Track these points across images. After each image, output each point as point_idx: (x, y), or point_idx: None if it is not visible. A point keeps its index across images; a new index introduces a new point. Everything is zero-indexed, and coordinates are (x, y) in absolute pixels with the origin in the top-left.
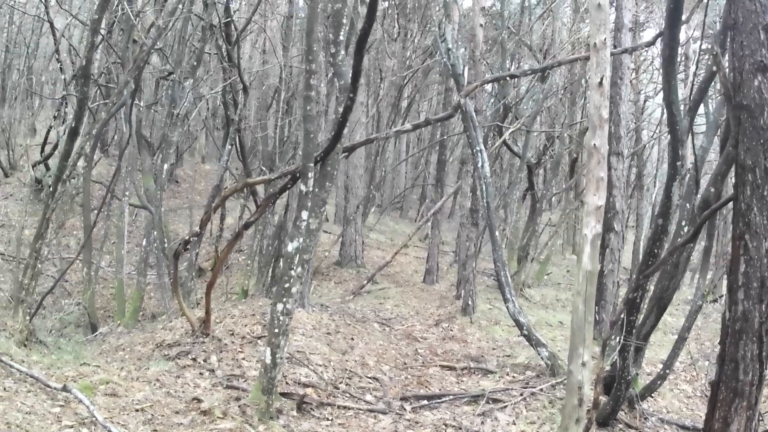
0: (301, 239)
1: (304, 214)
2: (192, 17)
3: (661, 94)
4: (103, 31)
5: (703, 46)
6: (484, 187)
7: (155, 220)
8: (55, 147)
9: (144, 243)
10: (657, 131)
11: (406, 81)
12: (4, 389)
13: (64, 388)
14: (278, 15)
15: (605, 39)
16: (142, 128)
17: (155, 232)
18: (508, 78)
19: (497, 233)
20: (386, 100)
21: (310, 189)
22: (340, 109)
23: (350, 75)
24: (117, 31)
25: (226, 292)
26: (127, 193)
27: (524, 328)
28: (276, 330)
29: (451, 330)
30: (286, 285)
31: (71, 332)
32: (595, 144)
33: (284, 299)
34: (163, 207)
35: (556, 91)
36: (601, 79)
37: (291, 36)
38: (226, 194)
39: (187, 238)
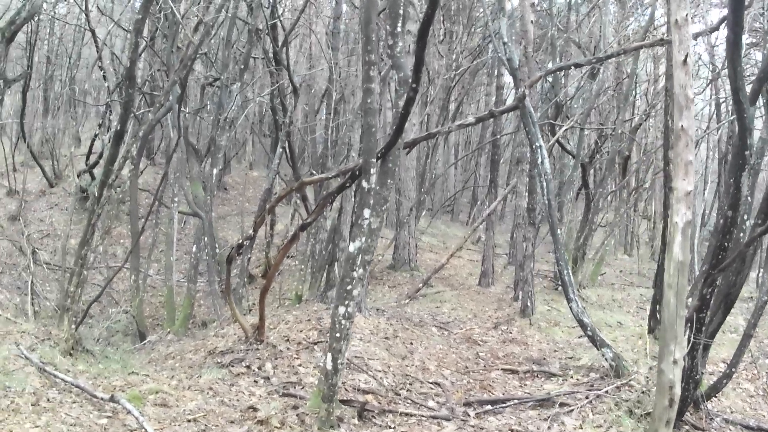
0: (363, 239)
1: (366, 213)
2: (237, 21)
3: (707, 91)
4: (145, 39)
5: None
6: (544, 184)
7: (205, 226)
8: (100, 156)
9: (194, 250)
10: (707, 128)
11: (454, 83)
12: (48, 400)
13: (112, 399)
14: (324, 17)
15: (686, 15)
16: (189, 135)
17: (205, 239)
18: (573, 66)
19: (559, 232)
20: (435, 103)
21: (372, 186)
22: (401, 102)
23: (410, 66)
24: (160, 38)
25: (279, 298)
26: (175, 200)
27: (588, 328)
28: (337, 334)
29: (511, 332)
30: (348, 287)
31: (119, 341)
32: (682, 125)
33: (346, 302)
34: (212, 214)
35: (608, 87)
36: (686, 56)
37: (338, 37)
38: (281, 195)
39: (240, 241)
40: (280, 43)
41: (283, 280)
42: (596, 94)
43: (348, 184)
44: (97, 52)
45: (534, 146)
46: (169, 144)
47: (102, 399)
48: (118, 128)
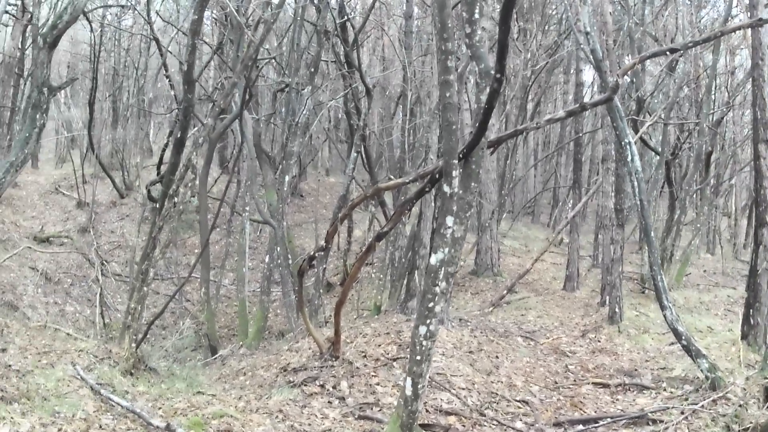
0: (446, 249)
1: (449, 220)
2: (306, 24)
3: None
4: (212, 45)
5: None
6: (636, 183)
7: (278, 235)
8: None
9: (267, 259)
10: None
11: (532, 81)
12: (101, 427)
13: (168, 427)
14: (396, 16)
15: None
16: (261, 142)
17: (278, 248)
18: (668, 52)
19: (653, 234)
20: (513, 102)
21: (455, 190)
22: (483, 97)
23: (491, 56)
24: (227, 44)
25: (356, 308)
26: (247, 209)
27: (683, 337)
28: (418, 357)
29: (599, 341)
30: (430, 304)
31: (189, 355)
32: None
33: (427, 320)
34: (287, 221)
35: (690, 79)
36: None
37: (411, 36)
38: (355, 202)
39: (312, 253)
40: (350, 44)
41: (361, 288)
42: (678, 87)
43: (427, 189)
44: (163, 62)
45: (623, 143)
46: (239, 152)
47: (157, 427)
48: (179, 135)
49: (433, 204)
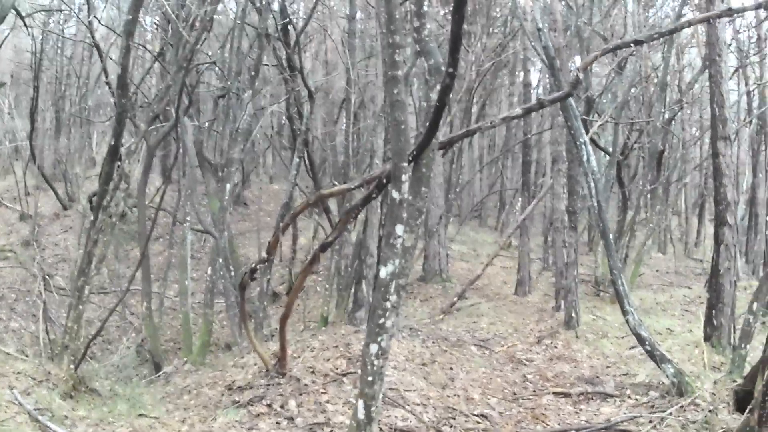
0: (396, 261)
1: (399, 229)
2: (247, 28)
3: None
4: (153, 52)
5: None
6: (592, 184)
7: (220, 245)
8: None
9: (209, 271)
10: (745, 120)
11: (477, 84)
12: None
13: None
14: (339, 18)
15: None
16: (203, 149)
17: (220, 259)
18: (632, 44)
19: (611, 236)
20: (458, 105)
21: (405, 196)
22: (433, 95)
23: (440, 52)
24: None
25: (303, 319)
26: (188, 218)
27: (647, 343)
28: (369, 377)
29: (556, 347)
30: (380, 320)
31: (133, 372)
32: None
33: (378, 338)
34: (230, 231)
35: (642, 78)
36: None
37: (354, 38)
38: (297, 211)
39: (253, 265)
40: (292, 47)
41: (308, 299)
42: (629, 86)
43: (374, 195)
44: (103, 67)
45: (578, 142)
46: (176, 159)
47: None
48: (112, 143)
49: (379, 211)
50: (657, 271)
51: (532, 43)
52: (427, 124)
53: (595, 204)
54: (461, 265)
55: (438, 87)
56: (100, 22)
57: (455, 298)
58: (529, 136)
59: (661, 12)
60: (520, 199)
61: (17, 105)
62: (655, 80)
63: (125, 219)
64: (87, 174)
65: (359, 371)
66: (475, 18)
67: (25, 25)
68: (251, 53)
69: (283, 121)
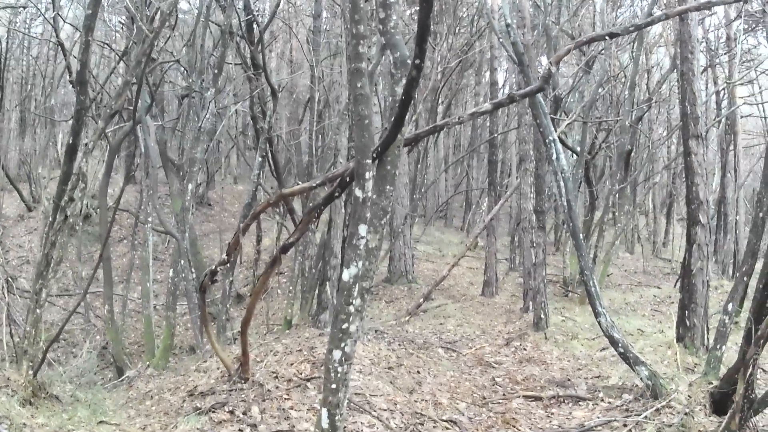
0: (359, 263)
1: (362, 229)
2: (212, 26)
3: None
4: (117, 51)
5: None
6: (562, 183)
7: (181, 247)
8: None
9: (171, 273)
10: (714, 119)
11: (442, 83)
12: None
13: None
14: (305, 16)
15: None
16: (167, 149)
17: (182, 261)
18: (607, 37)
19: (581, 236)
20: (423, 105)
21: (369, 194)
22: (398, 89)
23: (406, 44)
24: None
25: (266, 322)
26: (150, 219)
27: (619, 344)
28: (333, 385)
29: (525, 349)
30: (344, 325)
31: (96, 376)
32: None
33: (342, 343)
34: (196, 232)
35: (611, 77)
36: None
37: (319, 36)
38: (257, 211)
39: (213, 268)
40: (255, 44)
41: (272, 300)
42: (598, 84)
43: (337, 194)
44: (67, 65)
45: (547, 140)
46: (137, 159)
47: None
48: (70, 142)
49: (343, 211)
50: (625, 271)
51: (500, 40)
52: (392, 119)
53: (565, 203)
54: (427, 265)
55: (404, 81)
56: (64, 20)
57: (421, 300)
58: (495, 135)
59: (630, 12)
60: (486, 199)
61: None
62: (623, 79)
63: (89, 220)
64: (52, 175)
65: (323, 377)
66: (441, 17)
67: None
68: (215, 51)
69: (247, 121)
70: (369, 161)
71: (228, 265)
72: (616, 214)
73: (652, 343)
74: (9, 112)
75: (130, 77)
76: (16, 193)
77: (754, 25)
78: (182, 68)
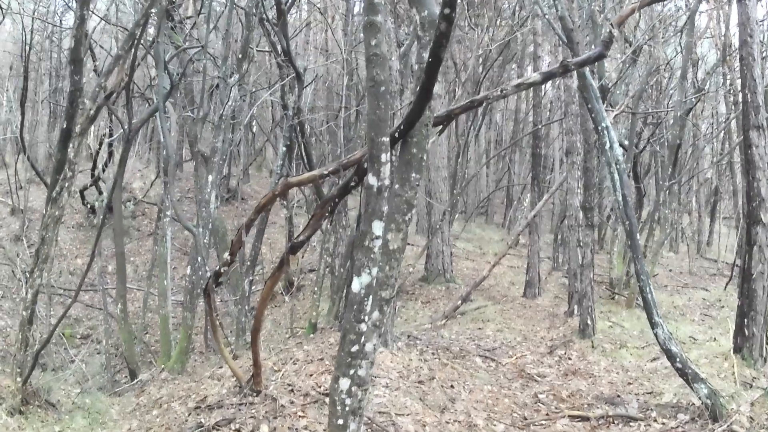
0: (373, 269)
1: (377, 227)
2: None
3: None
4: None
5: None
6: (617, 175)
7: (199, 243)
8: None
9: (188, 271)
10: None
11: (483, 75)
12: None
13: None
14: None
15: None
16: (198, 142)
17: (200, 258)
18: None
19: (638, 236)
20: (464, 98)
21: (385, 183)
22: (425, 54)
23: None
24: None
25: (290, 325)
26: (168, 213)
27: (677, 359)
28: (340, 420)
29: (570, 358)
30: (353, 347)
31: (108, 380)
32: None
33: (351, 370)
34: (227, 226)
35: (660, 66)
36: None
37: (351, 21)
38: (261, 204)
39: (218, 269)
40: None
41: (303, 297)
42: (648, 72)
43: (354, 183)
44: (92, 55)
45: (600, 127)
46: (159, 148)
47: None
48: (65, 125)
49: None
50: (670, 271)
51: (546, 16)
52: (418, 89)
53: (620, 198)
54: (466, 264)
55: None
56: (93, 13)
57: (459, 302)
58: (539, 126)
59: (672, 4)
60: (529, 194)
61: (17, 98)
62: (668, 71)
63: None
64: (81, 167)
65: (328, 410)
66: (482, 10)
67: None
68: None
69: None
70: (386, 139)
71: (231, 265)
72: (666, 212)
73: (707, 353)
74: (37, 104)
75: (123, 52)
76: (44, 186)
77: None
78: (210, 57)
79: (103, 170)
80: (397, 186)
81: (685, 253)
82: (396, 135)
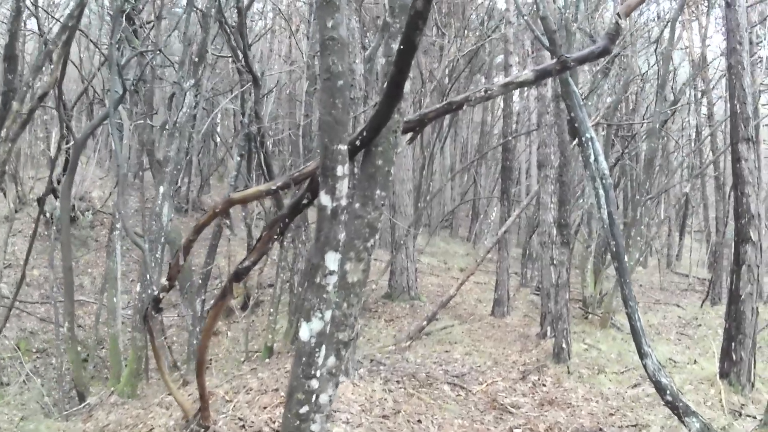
0: (327, 313)
1: (332, 260)
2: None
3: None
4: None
5: None
6: (602, 190)
7: (147, 259)
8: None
9: (138, 288)
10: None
11: (450, 86)
12: None
13: None
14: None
15: None
16: (156, 150)
17: (148, 274)
18: None
19: (626, 259)
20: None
21: (341, 203)
22: (395, 45)
23: None
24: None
25: (245, 348)
26: (118, 226)
27: (668, 392)
28: None
29: (544, 385)
30: (302, 409)
31: (59, 398)
32: None
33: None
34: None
35: (635, 77)
36: None
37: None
38: (200, 223)
39: (156, 294)
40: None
41: (263, 314)
42: (625, 82)
43: (306, 200)
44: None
45: (584, 138)
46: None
47: None
48: None
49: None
50: (641, 286)
51: (525, 16)
52: (386, 86)
53: (606, 216)
54: (431, 280)
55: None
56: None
57: (424, 322)
58: (509, 137)
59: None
60: (497, 208)
61: None
62: (642, 83)
63: (76, 223)
64: (39, 175)
65: None
66: (449, 20)
67: None
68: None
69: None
70: (342, 148)
71: (170, 290)
72: (642, 228)
73: (689, 377)
74: None
75: (54, 47)
76: (2, 195)
77: None
78: (170, 61)
79: (58, 181)
80: (357, 205)
81: (654, 267)
82: (357, 143)
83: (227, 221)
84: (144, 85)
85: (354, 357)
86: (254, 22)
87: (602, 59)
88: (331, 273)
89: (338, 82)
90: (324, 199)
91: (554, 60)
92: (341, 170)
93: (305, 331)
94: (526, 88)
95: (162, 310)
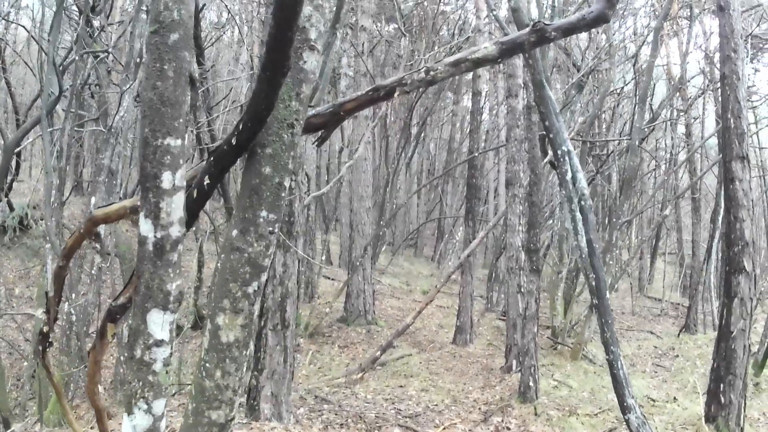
0: (156, 404)
1: (156, 323)
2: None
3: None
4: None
5: None
6: (579, 213)
7: (72, 278)
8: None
9: (66, 308)
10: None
11: (416, 100)
12: None
13: None
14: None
15: None
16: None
17: (73, 295)
18: None
19: (608, 295)
20: (396, 125)
21: (171, 232)
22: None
23: None
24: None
25: (178, 379)
26: (48, 237)
27: None
28: None
29: (508, 428)
30: None
31: None
32: None
33: None
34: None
35: (614, 91)
36: None
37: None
38: (68, 246)
39: (43, 329)
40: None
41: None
42: (602, 97)
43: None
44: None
45: (559, 151)
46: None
47: None
48: None
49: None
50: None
51: (494, 12)
52: (265, 52)
53: (584, 244)
54: (391, 303)
55: None
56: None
57: (378, 353)
58: (475, 154)
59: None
60: (462, 228)
61: None
62: (618, 97)
63: (29, 232)
64: None
65: None
66: (419, 35)
67: None
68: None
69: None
70: (174, 143)
71: (55, 321)
72: (617, 251)
73: (671, 419)
74: None
75: None
76: None
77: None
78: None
79: (9, 190)
80: (235, 233)
81: (626, 291)
82: (233, 142)
83: (97, 245)
84: (99, 90)
85: (289, 400)
86: (224, 33)
87: (579, 72)
88: (158, 343)
89: (170, 37)
90: (144, 226)
91: (530, 28)
92: (169, 179)
93: (127, 429)
94: (495, 105)
95: (52, 345)
